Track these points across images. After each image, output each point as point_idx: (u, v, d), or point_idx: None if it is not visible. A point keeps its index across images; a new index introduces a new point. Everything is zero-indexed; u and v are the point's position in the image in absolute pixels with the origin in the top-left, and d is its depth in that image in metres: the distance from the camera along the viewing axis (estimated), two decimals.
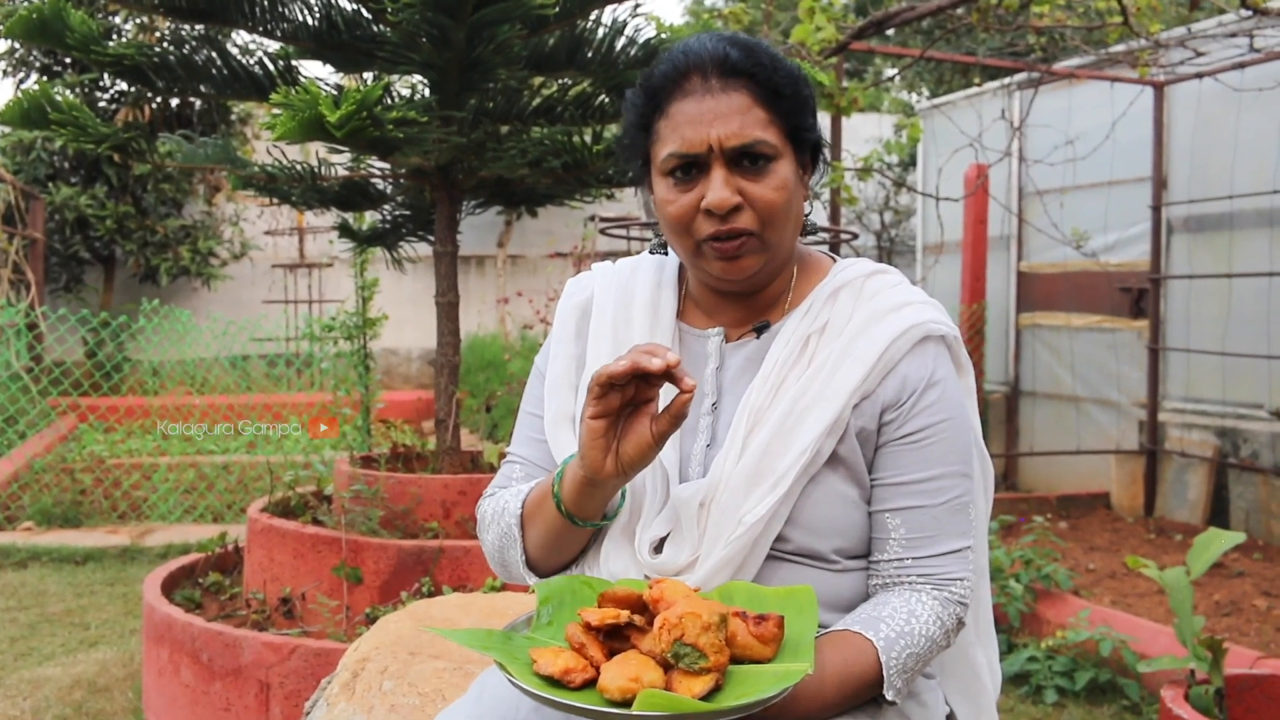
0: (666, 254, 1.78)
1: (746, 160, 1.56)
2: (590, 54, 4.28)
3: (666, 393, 1.52)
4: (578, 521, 1.59)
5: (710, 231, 1.57)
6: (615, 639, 1.40)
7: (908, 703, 1.59)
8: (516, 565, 1.71)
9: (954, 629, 1.57)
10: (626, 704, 1.29)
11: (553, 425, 1.75)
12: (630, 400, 1.49)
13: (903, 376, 1.59)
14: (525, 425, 1.82)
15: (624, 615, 1.39)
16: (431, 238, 4.51)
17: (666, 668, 1.33)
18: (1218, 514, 6.64)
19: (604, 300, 1.77)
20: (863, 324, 1.62)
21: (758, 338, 1.68)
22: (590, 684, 1.34)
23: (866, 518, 1.61)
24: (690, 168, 1.57)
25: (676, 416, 1.46)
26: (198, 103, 11.56)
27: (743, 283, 1.64)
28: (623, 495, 1.64)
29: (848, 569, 1.60)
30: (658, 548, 1.60)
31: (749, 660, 1.37)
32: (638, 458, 1.49)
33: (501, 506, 1.74)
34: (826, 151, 1.71)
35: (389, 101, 4.08)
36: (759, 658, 1.38)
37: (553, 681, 1.34)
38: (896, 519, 1.58)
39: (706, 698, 1.30)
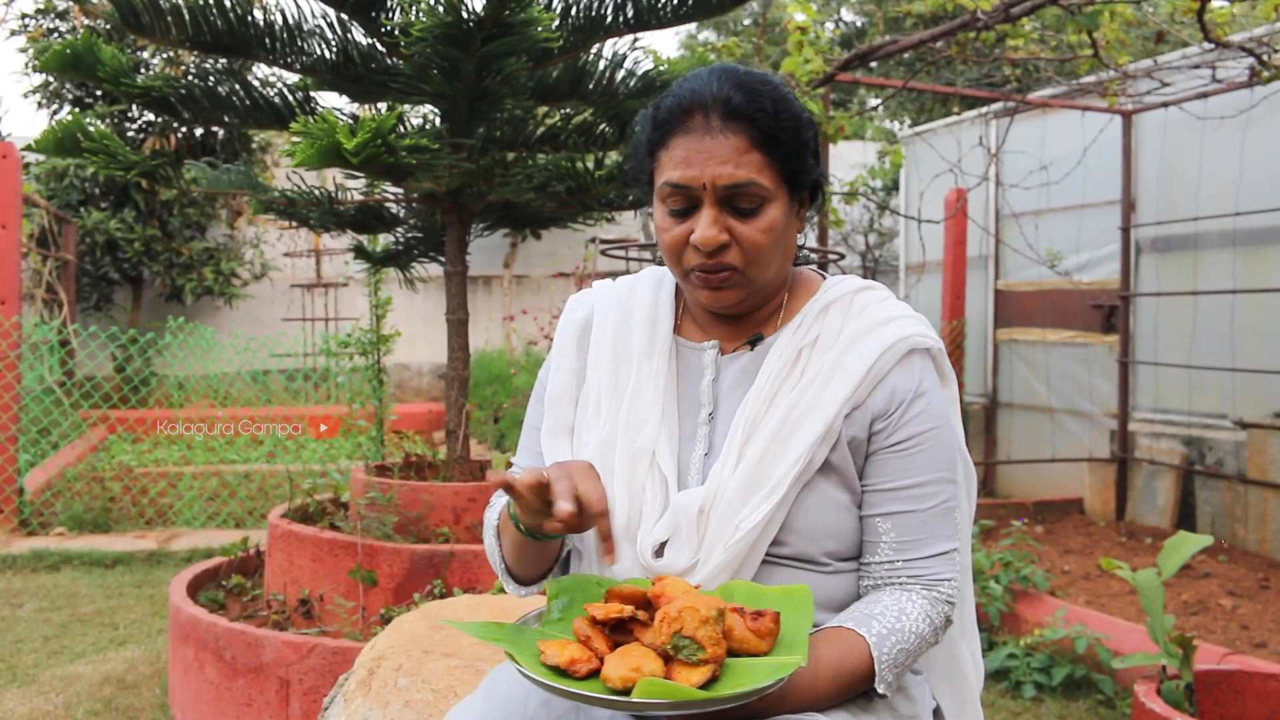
0: None
1: (738, 201, 1.55)
2: (592, 85, 4.28)
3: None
4: (534, 535, 1.59)
5: (697, 263, 1.58)
6: (620, 632, 1.40)
7: (896, 697, 1.58)
8: (501, 573, 1.73)
9: (942, 627, 1.57)
10: (628, 692, 1.29)
11: (549, 436, 1.74)
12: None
13: (891, 388, 1.59)
14: (527, 438, 1.82)
15: (627, 610, 1.39)
16: (442, 258, 4.51)
17: (667, 659, 1.33)
18: (1185, 518, 6.63)
19: (604, 317, 1.77)
20: (852, 338, 1.61)
21: (752, 350, 1.67)
22: (595, 674, 1.34)
23: (857, 521, 1.60)
24: (684, 200, 1.57)
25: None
26: (221, 132, 11.57)
27: (727, 309, 1.65)
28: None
29: (839, 570, 1.59)
30: (659, 552, 1.59)
31: (746, 654, 1.37)
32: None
33: (489, 518, 1.76)
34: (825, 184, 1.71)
35: (402, 130, 4.10)
36: (755, 651, 1.37)
37: (559, 671, 1.34)
38: (887, 523, 1.58)
39: (704, 687, 1.30)
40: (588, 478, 1.49)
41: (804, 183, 1.62)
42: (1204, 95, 6.22)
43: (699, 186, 1.54)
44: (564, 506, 1.43)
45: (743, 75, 1.58)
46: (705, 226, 1.54)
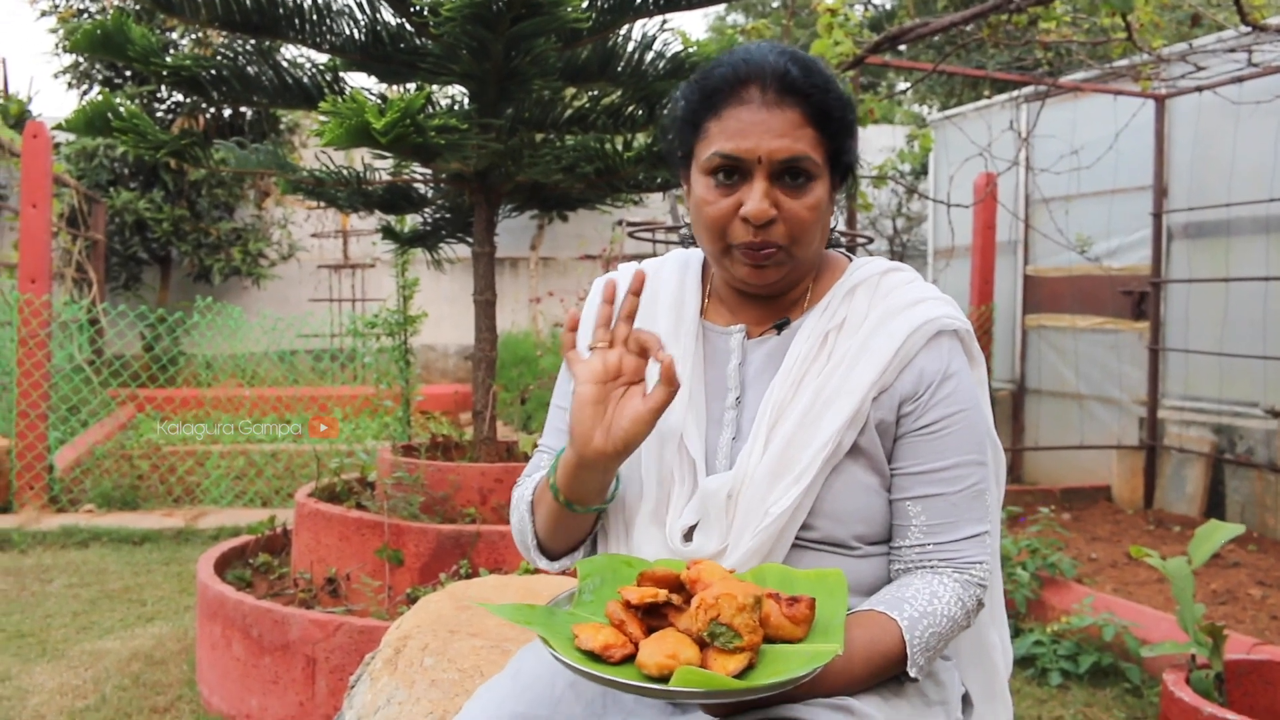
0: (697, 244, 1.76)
1: (788, 175, 1.54)
2: (621, 66, 4.27)
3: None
4: (573, 507, 1.59)
5: (744, 240, 1.55)
6: (654, 616, 1.38)
7: (926, 682, 1.57)
8: (531, 549, 1.72)
9: (974, 610, 1.56)
10: (663, 679, 1.28)
11: None
12: (619, 379, 1.51)
13: (919, 370, 1.58)
14: (554, 418, 1.81)
15: (662, 594, 1.37)
16: (470, 239, 4.51)
17: (702, 646, 1.32)
18: (1214, 507, 6.59)
19: None
20: (879, 320, 1.60)
21: (778, 334, 1.66)
22: (629, 659, 1.33)
23: (887, 505, 1.59)
24: (733, 172, 1.55)
25: (669, 382, 1.47)
26: (249, 112, 11.61)
27: (765, 288, 1.63)
28: (616, 482, 1.63)
29: (868, 554, 1.58)
30: (688, 535, 1.59)
31: (781, 640, 1.36)
32: (632, 432, 1.49)
33: (520, 494, 1.75)
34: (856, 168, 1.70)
35: (431, 110, 4.09)
36: (790, 637, 1.36)
37: (593, 656, 1.33)
38: (917, 506, 1.57)
39: (740, 676, 1.29)
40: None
41: (844, 163, 1.62)
42: (1239, 79, 6.14)
43: (753, 159, 1.52)
44: (665, 355, 1.48)
45: (795, 51, 1.57)
46: (757, 199, 1.52)
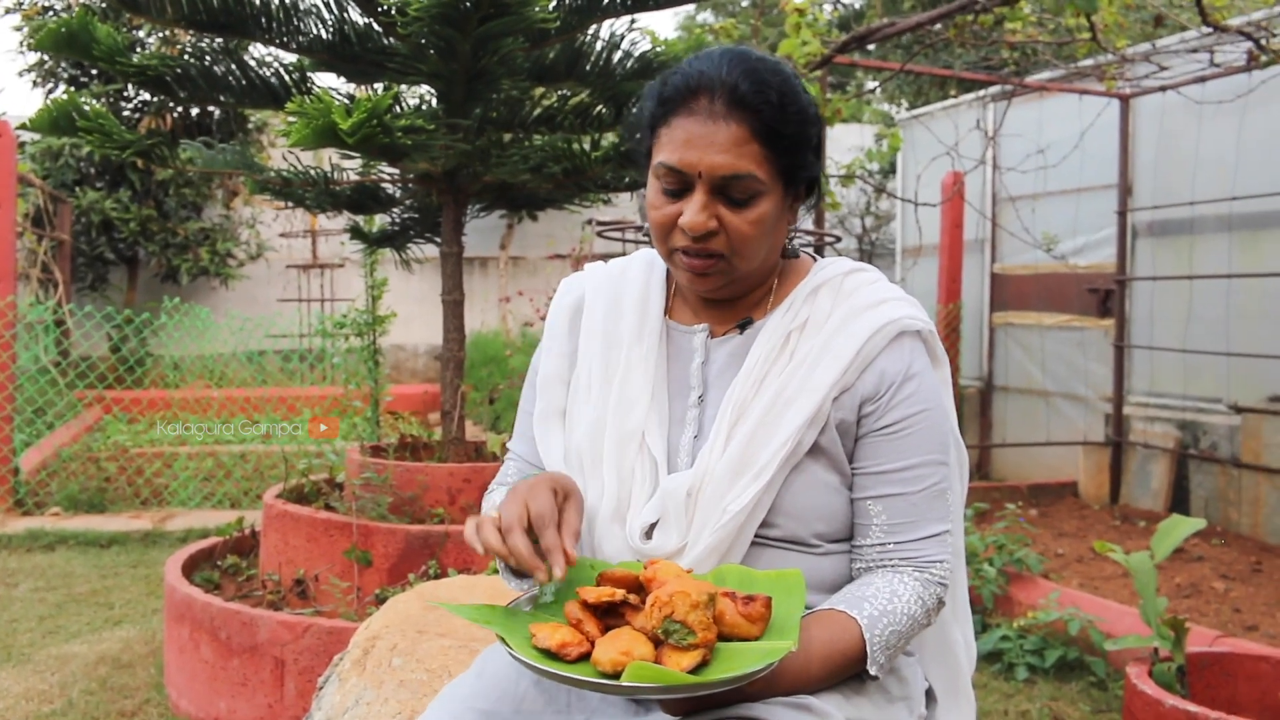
0: None
1: (731, 191, 1.53)
2: (589, 66, 4.28)
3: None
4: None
5: (683, 245, 1.57)
6: (611, 616, 1.40)
7: (888, 678, 1.59)
8: (501, 570, 1.72)
9: (934, 608, 1.57)
10: (618, 675, 1.29)
11: (541, 420, 1.74)
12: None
13: (880, 370, 1.59)
14: (522, 423, 1.82)
15: (619, 594, 1.39)
16: (438, 239, 4.51)
17: (657, 643, 1.34)
18: (1179, 502, 6.65)
19: (595, 299, 1.77)
20: (841, 320, 1.61)
21: (741, 334, 1.67)
22: (585, 657, 1.35)
23: (848, 503, 1.60)
24: (678, 182, 1.55)
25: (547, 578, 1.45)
26: (217, 112, 11.54)
27: (707, 294, 1.65)
28: None
29: (829, 552, 1.60)
30: (648, 533, 1.60)
31: (737, 638, 1.38)
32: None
33: (487, 508, 1.76)
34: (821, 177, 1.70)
35: (398, 110, 4.09)
36: (747, 636, 1.38)
37: (550, 654, 1.35)
38: (878, 506, 1.58)
39: (694, 672, 1.30)
40: (536, 495, 1.49)
41: (801, 178, 1.61)
42: (1202, 79, 6.20)
43: (694, 173, 1.53)
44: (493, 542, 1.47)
45: (754, 62, 1.55)
46: (694, 212, 1.53)
